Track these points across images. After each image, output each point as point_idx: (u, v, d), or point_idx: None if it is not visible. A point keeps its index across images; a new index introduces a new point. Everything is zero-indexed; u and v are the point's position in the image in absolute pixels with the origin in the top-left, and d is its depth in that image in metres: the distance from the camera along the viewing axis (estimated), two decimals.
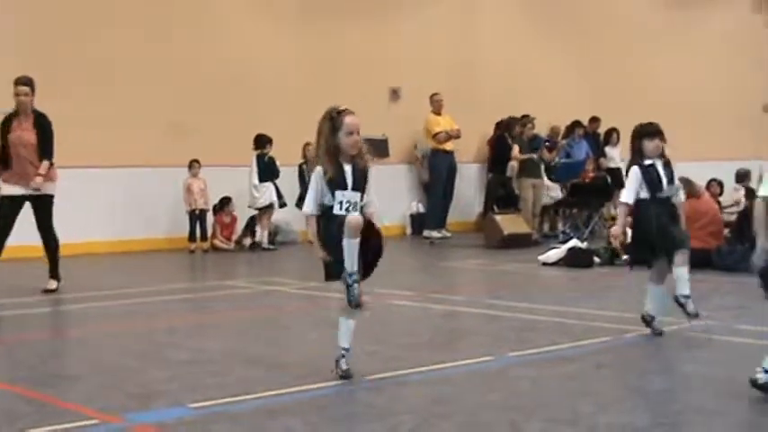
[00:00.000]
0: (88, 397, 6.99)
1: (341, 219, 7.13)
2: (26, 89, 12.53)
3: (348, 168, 7.25)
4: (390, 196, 20.75)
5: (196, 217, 18.73)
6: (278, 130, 18.58)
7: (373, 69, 21.38)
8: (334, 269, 7.27)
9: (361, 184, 7.29)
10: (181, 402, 6.73)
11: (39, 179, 12.53)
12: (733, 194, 17.56)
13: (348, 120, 7.24)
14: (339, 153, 7.23)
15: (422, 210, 21.72)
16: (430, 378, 7.55)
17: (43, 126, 12.69)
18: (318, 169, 7.25)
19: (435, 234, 20.26)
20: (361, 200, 7.28)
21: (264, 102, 19.50)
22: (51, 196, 12.80)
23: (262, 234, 19.04)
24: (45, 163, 12.63)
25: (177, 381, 7.50)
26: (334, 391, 7.06)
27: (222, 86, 19.43)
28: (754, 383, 6.73)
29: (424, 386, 7.32)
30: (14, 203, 12.60)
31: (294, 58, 20.40)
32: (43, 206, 12.71)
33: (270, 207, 18.92)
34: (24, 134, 12.54)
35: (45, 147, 12.67)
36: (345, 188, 7.21)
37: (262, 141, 18.76)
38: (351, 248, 7.10)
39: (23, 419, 6.33)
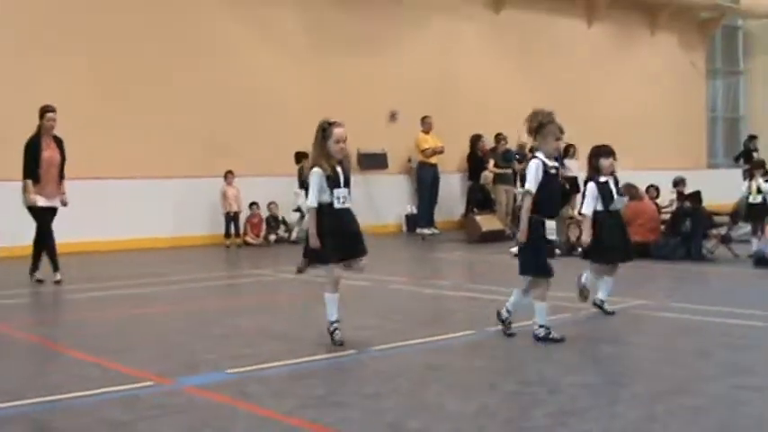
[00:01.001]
0: (145, 364, 7.02)
1: (340, 212, 7.30)
2: (55, 115, 12.40)
3: (339, 169, 7.35)
4: (389, 200, 20.86)
5: (230, 218, 18.76)
6: (295, 148, 18.58)
7: (375, 95, 21.41)
8: (323, 256, 7.36)
9: (348, 182, 7.42)
10: (220, 368, 6.76)
11: (66, 197, 12.53)
12: (669, 197, 17.55)
13: (337, 130, 7.31)
14: (329, 158, 7.31)
15: (415, 211, 21.72)
16: (423, 348, 7.57)
17: (64, 148, 12.59)
18: (317, 170, 7.28)
19: (426, 231, 20.29)
20: (349, 194, 7.42)
21: (284, 124, 19.49)
22: None
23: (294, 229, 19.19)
24: (65, 182, 12.59)
25: (217, 351, 7.53)
26: (347, 359, 7.09)
27: (251, 112, 19.49)
28: (498, 315, 7.98)
29: (419, 355, 7.34)
30: (48, 213, 12.44)
31: (309, 87, 20.38)
32: (54, 217, 12.58)
33: (299, 210, 18.93)
34: (54, 155, 12.42)
35: (63, 168, 12.59)
36: (340, 186, 7.32)
37: (298, 157, 18.58)
38: (331, 301, 7.43)
39: (95, 381, 6.38)
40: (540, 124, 7.77)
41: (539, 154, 7.75)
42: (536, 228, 7.63)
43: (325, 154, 7.30)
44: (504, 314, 7.98)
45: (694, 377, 6.37)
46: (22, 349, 8.31)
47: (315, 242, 7.30)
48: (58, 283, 12.25)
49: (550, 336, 7.63)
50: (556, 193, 7.87)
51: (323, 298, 7.58)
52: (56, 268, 12.50)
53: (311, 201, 7.34)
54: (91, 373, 6.73)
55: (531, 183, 7.61)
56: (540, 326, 7.70)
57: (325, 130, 7.32)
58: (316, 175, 7.28)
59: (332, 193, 7.27)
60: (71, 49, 17.32)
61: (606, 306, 9.07)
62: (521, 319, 8.72)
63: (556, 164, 7.83)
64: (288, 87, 20.19)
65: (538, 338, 7.66)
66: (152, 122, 18.12)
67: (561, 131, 7.83)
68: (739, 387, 6.00)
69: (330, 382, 6.46)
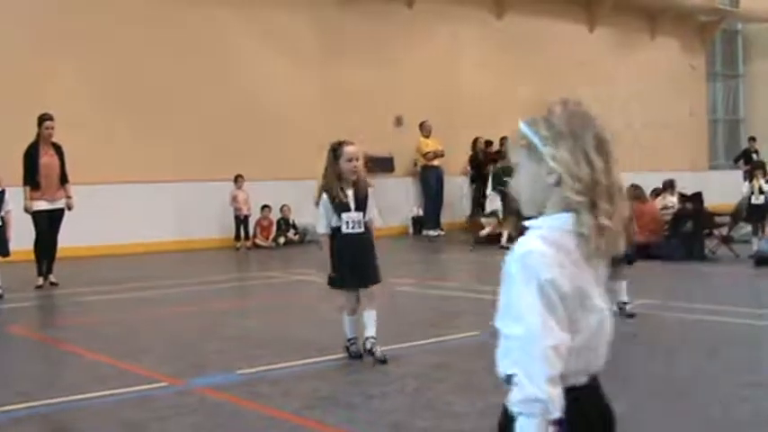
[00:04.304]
0: (158, 365, 7.03)
1: (349, 237, 6.99)
2: (53, 123, 12.45)
3: (350, 192, 7.00)
4: (395, 203, 20.78)
5: (240, 221, 18.77)
6: (303, 153, 18.59)
7: (381, 100, 21.43)
8: (336, 281, 7.10)
9: (362, 205, 7.06)
10: (230, 369, 6.76)
11: (72, 201, 12.56)
12: (660, 201, 17.44)
13: (348, 149, 6.94)
14: (341, 179, 6.98)
15: (421, 213, 21.72)
16: (430, 349, 7.56)
17: (62, 153, 12.62)
18: (324, 196, 6.98)
19: (432, 233, 20.30)
20: (364, 217, 7.07)
21: (293, 128, 19.53)
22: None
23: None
24: (69, 186, 12.62)
25: (227, 352, 7.54)
26: (352, 361, 7.07)
27: (260, 116, 19.50)
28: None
29: (426, 355, 7.32)
30: (46, 216, 12.39)
31: (316, 94, 20.43)
32: (62, 219, 12.60)
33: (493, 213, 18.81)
34: (52, 160, 12.44)
35: (66, 172, 12.61)
36: (349, 210, 6.99)
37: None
38: (348, 322, 7.10)
39: (110, 382, 6.39)
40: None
41: None
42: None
43: (337, 175, 6.97)
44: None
45: (698, 376, 6.35)
46: (37, 351, 8.34)
47: (329, 267, 7.07)
48: (39, 287, 12.24)
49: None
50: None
51: (340, 315, 7.30)
52: (48, 272, 12.50)
53: (321, 228, 7.09)
54: (105, 374, 6.74)
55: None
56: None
57: (335, 150, 6.97)
58: (322, 202, 7.02)
59: (340, 217, 6.99)
60: (81, 56, 17.36)
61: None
62: None
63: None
64: (296, 92, 20.21)
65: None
66: (162, 127, 18.15)
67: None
68: (743, 385, 5.99)
69: (337, 383, 6.45)
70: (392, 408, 5.57)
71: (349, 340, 7.17)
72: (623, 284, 8.86)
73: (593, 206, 2.22)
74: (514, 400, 2.17)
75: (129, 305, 10.85)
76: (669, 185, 17.98)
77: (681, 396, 5.74)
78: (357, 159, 7.01)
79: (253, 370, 6.71)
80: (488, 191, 18.63)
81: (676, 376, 6.33)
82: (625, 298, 8.88)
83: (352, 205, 7.02)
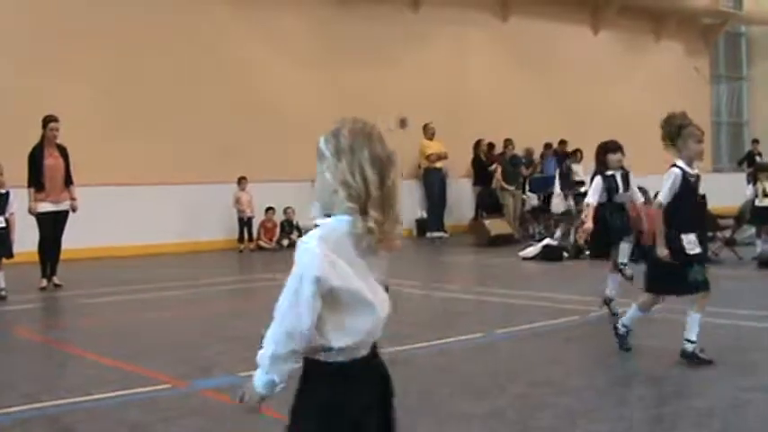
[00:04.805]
0: (161, 367, 7.02)
1: None
2: (58, 125, 12.42)
3: None
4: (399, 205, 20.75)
5: (244, 223, 18.77)
6: (307, 155, 18.55)
7: (386, 102, 21.39)
8: None
9: None
10: (232, 371, 6.75)
11: (76, 203, 12.50)
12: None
13: None
14: None
15: (425, 215, 21.71)
16: (433, 351, 7.55)
17: (67, 155, 12.58)
18: None
19: (436, 235, 20.30)
20: None
21: (296, 130, 19.50)
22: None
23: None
24: (74, 188, 12.57)
25: (230, 354, 7.52)
26: None
27: (263, 119, 19.50)
28: (683, 354, 6.86)
29: (429, 358, 7.32)
30: (51, 218, 12.35)
31: (321, 96, 20.40)
32: (66, 220, 12.57)
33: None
34: (57, 162, 12.40)
35: (70, 173, 12.58)
36: None
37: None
38: None
39: (113, 384, 6.39)
40: (680, 126, 6.94)
41: (678, 162, 6.89)
42: (672, 242, 6.84)
43: None
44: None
45: (700, 379, 6.34)
46: (41, 353, 8.34)
47: None
48: (42, 289, 12.21)
49: None
50: (696, 204, 7.15)
51: None
52: (52, 274, 12.47)
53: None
54: (108, 376, 6.73)
55: (665, 194, 6.88)
56: None
57: None
58: None
59: None
60: (86, 57, 17.37)
61: (613, 305, 8.89)
62: (531, 320, 8.72)
63: (696, 171, 6.96)
64: (301, 94, 20.22)
65: (683, 355, 6.91)
66: (165, 129, 18.15)
67: (701, 132, 7.00)
68: (745, 389, 5.98)
69: None
70: (397, 409, 5.56)
71: None
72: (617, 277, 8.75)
73: (364, 212, 2.62)
74: (259, 354, 2.85)
75: (133, 307, 10.84)
76: None
77: (682, 400, 5.73)
78: None
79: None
80: (556, 190, 18.58)
81: (677, 379, 6.31)
82: (608, 292, 8.84)
83: None
